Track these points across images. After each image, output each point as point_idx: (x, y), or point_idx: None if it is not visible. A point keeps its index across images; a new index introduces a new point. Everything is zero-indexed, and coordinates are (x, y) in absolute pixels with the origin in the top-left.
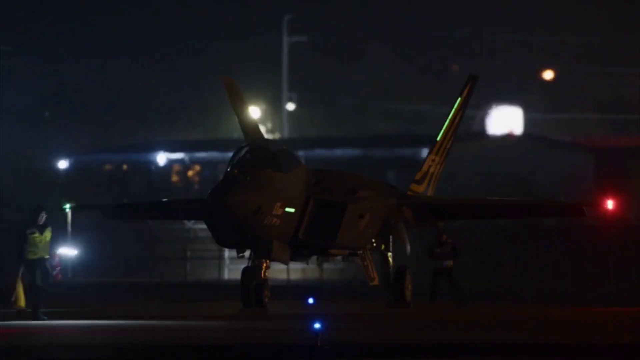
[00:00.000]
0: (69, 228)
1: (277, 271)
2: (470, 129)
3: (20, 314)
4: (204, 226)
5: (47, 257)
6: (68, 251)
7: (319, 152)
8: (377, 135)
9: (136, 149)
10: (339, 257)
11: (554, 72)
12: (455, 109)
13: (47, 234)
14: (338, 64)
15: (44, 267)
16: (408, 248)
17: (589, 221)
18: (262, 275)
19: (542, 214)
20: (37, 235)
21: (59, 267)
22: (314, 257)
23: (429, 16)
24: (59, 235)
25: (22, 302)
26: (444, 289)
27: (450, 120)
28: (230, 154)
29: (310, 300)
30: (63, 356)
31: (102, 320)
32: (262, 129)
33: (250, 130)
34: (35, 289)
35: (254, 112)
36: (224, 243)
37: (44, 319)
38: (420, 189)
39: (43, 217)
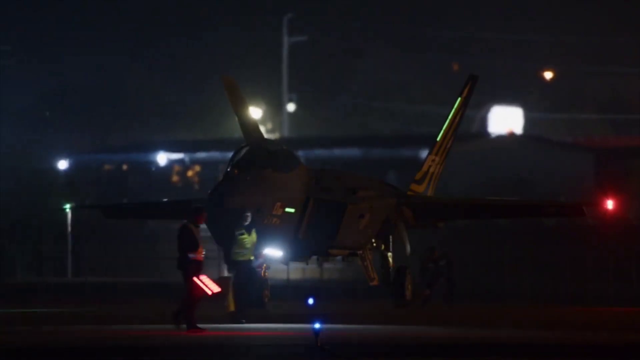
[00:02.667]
0: (69, 228)
1: (277, 271)
2: (470, 129)
3: (236, 318)
4: (204, 226)
5: (253, 258)
6: (274, 252)
7: (319, 152)
8: (377, 135)
9: (136, 149)
10: (339, 257)
11: (554, 72)
12: (455, 109)
13: (254, 235)
14: (338, 64)
15: (249, 269)
16: (408, 248)
17: (589, 221)
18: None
19: (542, 214)
20: (245, 236)
21: (263, 268)
22: (314, 257)
23: (429, 16)
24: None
25: (233, 306)
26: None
27: (450, 120)
28: (230, 154)
29: (310, 301)
30: None
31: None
32: (262, 129)
33: (250, 130)
34: (253, 291)
35: (254, 112)
36: (224, 243)
37: (242, 322)
38: (420, 189)
39: (249, 218)
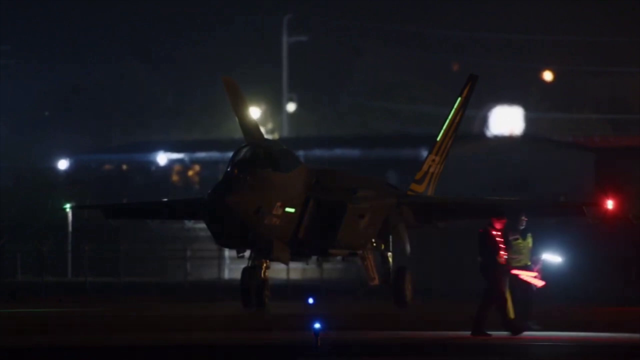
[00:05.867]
0: (69, 228)
1: (277, 271)
2: (470, 129)
3: (512, 325)
4: (204, 226)
5: (529, 264)
6: (552, 258)
7: (319, 152)
8: (377, 135)
9: (136, 149)
10: (339, 257)
11: (554, 72)
12: (455, 109)
13: (529, 240)
14: (338, 64)
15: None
16: (408, 248)
17: (589, 221)
18: (262, 275)
19: (542, 214)
20: (520, 241)
21: (537, 274)
22: (314, 257)
23: (429, 16)
24: (541, 241)
25: (512, 313)
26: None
27: (450, 120)
28: (230, 154)
29: (310, 300)
30: None
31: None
32: (262, 129)
33: (250, 130)
34: (524, 299)
35: (254, 112)
36: (224, 243)
37: (534, 329)
38: (420, 189)
39: (524, 221)
